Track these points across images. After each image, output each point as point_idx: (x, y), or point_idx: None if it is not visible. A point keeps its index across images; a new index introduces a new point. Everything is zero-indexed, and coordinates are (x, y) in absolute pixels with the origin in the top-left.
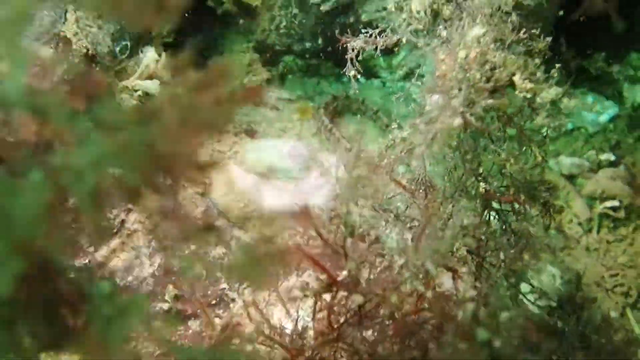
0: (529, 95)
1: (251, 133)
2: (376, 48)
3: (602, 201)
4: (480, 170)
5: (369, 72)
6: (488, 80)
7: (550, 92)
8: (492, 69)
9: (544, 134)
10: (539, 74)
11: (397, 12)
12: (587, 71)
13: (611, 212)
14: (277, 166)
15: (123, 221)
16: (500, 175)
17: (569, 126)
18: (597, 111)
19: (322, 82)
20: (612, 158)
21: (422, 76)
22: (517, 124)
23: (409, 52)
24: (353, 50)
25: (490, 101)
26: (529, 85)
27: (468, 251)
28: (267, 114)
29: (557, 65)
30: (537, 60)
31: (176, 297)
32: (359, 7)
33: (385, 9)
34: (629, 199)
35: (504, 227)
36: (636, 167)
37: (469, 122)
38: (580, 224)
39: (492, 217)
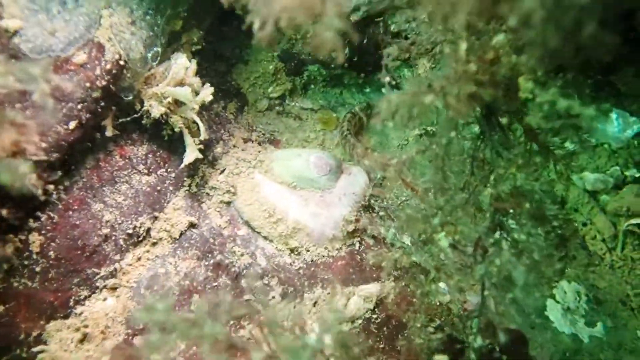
0: (530, 96)
1: (275, 142)
2: (409, 58)
3: (627, 218)
4: (491, 177)
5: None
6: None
7: (549, 92)
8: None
9: (568, 148)
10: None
11: (428, 24)
12: (614, 86)
13: (636, 230)
14: (302, 176)
15: (149, 229)
16: (512, 186)
17: (593, 141)
18: (622, 127)
19: (345, 92)
20: (637, 174)
21: None
22: (539, 134)
23: (435, 64)
24: (388, 56)
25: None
26: (531, 85)
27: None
28: (290, 123)
29: (570, 75)
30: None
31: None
32: (388, 18)
33: (415, 19)
34: None
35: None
36: None
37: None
38: (604, 240)
39: (500, 233)
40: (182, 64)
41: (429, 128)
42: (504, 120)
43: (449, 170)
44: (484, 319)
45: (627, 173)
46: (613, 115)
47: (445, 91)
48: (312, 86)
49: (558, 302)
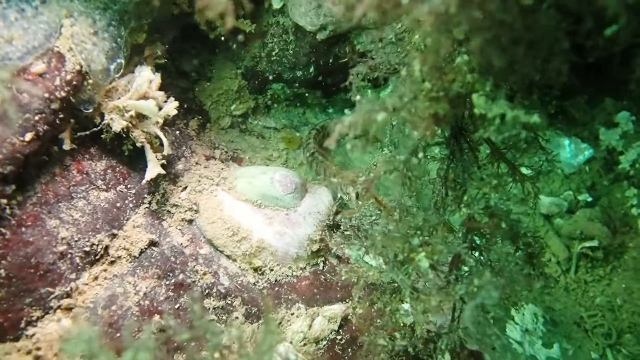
0: (483, 111)
1: (238, 160)
2: (377, 78)
3: (581, 241)
4: (465, 197)
5: (353, 104)
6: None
7: (498, 105)
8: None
9: (538, 169)
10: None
11: (395, 45)
12: (567, 113)
13: (590, 252)
14: (267, 193)
15: (107, 247)
16: (483, 205)
17: (545, 167)
18: (574, 153)
19: (307, 112)
20: (589, 199)
21: None
22: (505, 153)
23: (396, 86)
24: (357, 75)
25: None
26: (482, 101)
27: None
28: (252, 141)
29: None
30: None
31: (162, 330)
32: (354, 38)
33: (382, 40)
34: (607, 240)
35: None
36: (612, 208)
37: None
38: (558, 263)
39: (471, 252)
40: (146, 77)
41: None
42: (472, 139)
43: (419, 190)
44: (452, 339)
45: (579, 197)
46: (566, 142)
47: (399, 109)
48: (275, 105)
49: (517, 323)
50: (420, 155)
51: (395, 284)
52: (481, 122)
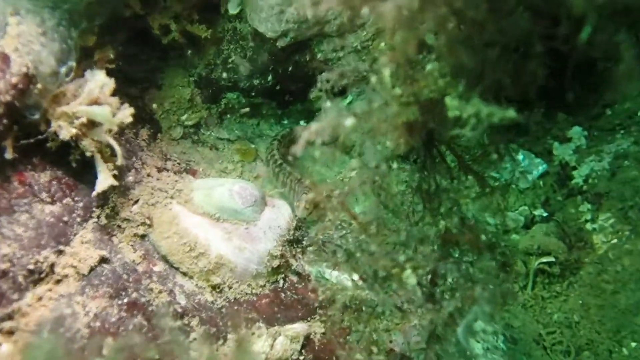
0: (457, 113)
1: (191, 172)
2: (345, 85)
3: (538, 257)
4: (441, 209)
5: (311, 116)
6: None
7: (472, 103)
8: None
9: (508, 182)
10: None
11: (359, 53)
12: (523, 126)
13: (547, 268)
14: (226, 206)
15: (53, 265)
16: (459, 217)
17: (502, 180)
18: (528, 168)
19: (262, 123)
20: (544, 214)
21: None
22: (470, 164)
23: (357, 97)
24: (327, 81)
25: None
26: (456, 102)
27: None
28: (206, 153)
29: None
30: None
31: (117, 351)
32: (315, 46)
33: (343, 48)
34: (563, 255)
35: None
36: (567, 223)
37: None
38: (516, 279)
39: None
40: (100, 81)
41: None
42: (442, 150)
43: (394, 203)
44: (429, 357)
45: (535, 212)
46: (520, 156)
47: (368, 114)
48: (229, 115)
49: (478, 341)
50: (394, 165)
51: (374, 302)
52: (456, 125)
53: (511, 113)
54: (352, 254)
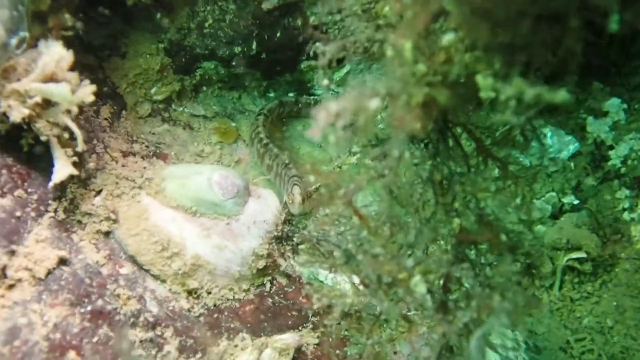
0: (492, 94)
1: (162, 156)
2: (343, 58)
3: (567, 252)
4: (456, 204)
5: (301, 88)
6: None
7: (514, 84)
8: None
9: (535, 169)
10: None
11: (359, 17)
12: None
13: (576, 265)
14: (204, 198)
15: (4, 267)
16: (476, 213)
17: (526, 163)
18: (557, 147)
19: (244, 97)
20: (575, 202)
21: None
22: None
23: (355, 67)
24: (324, 54)
25: None
26: (491, 81)
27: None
28: (178, 133)
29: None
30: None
31: None
32: (307, 8)
33: (340, 11)
34: (596, 250)
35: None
36: (601, 212)
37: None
38: (541, 278)
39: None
40: (56, 54)
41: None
42: (457, 134)
43: (404, 198)
44: None
45: (564, 200)
46: (547, 133)
47: (393, 95)
48: (205, 88)
49: (497, 352)
50: (407, 155)
51: (377, 310)
52: (489, 108)
53: (563, 95)
54: (352, 256)
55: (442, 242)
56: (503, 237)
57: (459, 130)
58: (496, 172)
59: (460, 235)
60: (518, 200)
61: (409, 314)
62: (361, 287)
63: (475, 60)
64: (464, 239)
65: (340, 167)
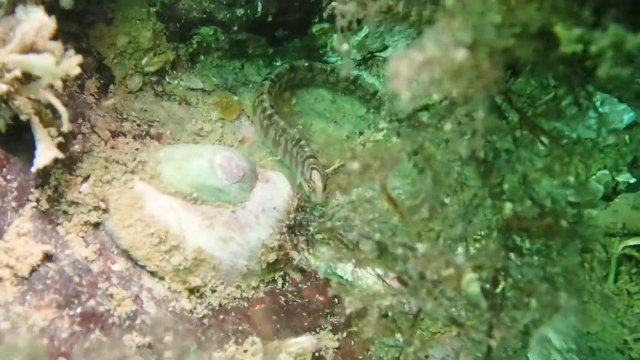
0: (578, 47)
1: (156, 137)
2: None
3: (622, 239)
4: (505, 186)
5: (312, 54)
6: None
7: (610, 32)
8: None
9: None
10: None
11: None
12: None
13: (634, 253)
14: (205, 183)
15: None
16: (529, 196)
17: (573, 136)
18: (609, 117)
19: (247, 67)
20: (632, 180)
21: (386, 61)
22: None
23: (375, 29)
24: (342, 16)
25: None
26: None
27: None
28: (174, 109)
29: None
30: None
31: None
32: None
33: None
34: None
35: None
36: None
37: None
38: (592, 268)
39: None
40: (36, 21)
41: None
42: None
43: (442, 178)
44: None
45: (618, 179)
46: (597, 101)
47: (481, 45)
48: (203, 57)
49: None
50: (448, 127)
51: (413, 310)
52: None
53: None
54: (386, 249)
55: (488, 231)
56: (564, 223)
57: (498, 99)
58: (543, 147)
59: (512, 221)
60: (572, 179)
61: (457, 315)
62: (396, 284)
63: (550, 8)
64: (517, 226)
65: (363, 145)
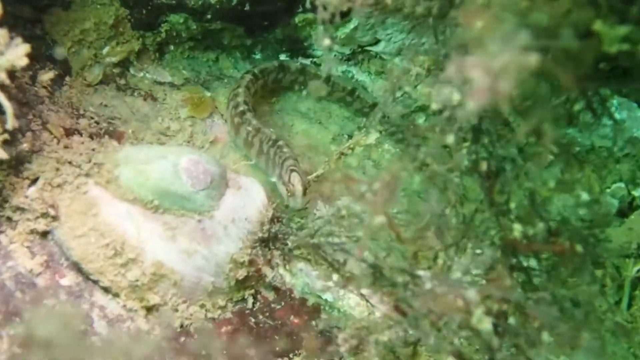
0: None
1: (116, 135)
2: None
3: (638, 260)
4: (512, 205)
5: (295, 47)
6: None
7: None
8: None
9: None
10: None
11: None
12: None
13: None
14: (169, 190)
15: None
16: (536, 214)
17: (586, 144)
18: (625, 125)
19: (222, 59)
20: None
21: (378, 57)
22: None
23: (365, 21)
24: (325, 8)
25: None
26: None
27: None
28: (137, 105)
29: None
30: None
31: None
32: None
33: None
34: None
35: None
36: None
37: None
38: (604, 292)
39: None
40: None
41: None
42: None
43: (452, 197)
44: None
45: (635, 193)
46: (613, 105)
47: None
48: (173, 48)
49: None
50: (451, 139)
51: (413, 341)
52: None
53: None
54: (381, 273)
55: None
56: (579, 248)
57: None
58: (552, 157)
59: (520, 245)
60: (585, 195)
61: (463, 350)
62: (384, 308)
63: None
64: (526, 250)
65: (352, 150)
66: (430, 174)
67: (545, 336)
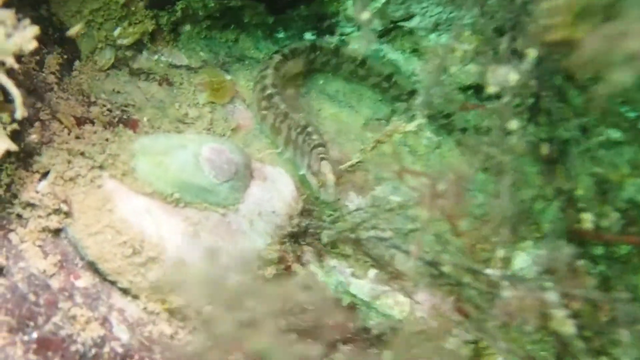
0: None
1: (131, 124)
2: None
3: None
4: (579, 190)
5: (322, 24)
6: None
7: None
8: None
9: None
10: None
11: None
12: None
13: None
14: (190, 182)
15: None
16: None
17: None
18: None
19: (242, 39)
20: None
21: (412, 33)
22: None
23: None
24: None
25: None
26: None
27: None
28: (152, 91)
29: None
30: None
31: None
32: None
33: None
34: None
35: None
36: None
37: None
38: None
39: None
40: None
41: None
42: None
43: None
44: None
45: None
46: None
47: None
48: (189, 28)
49: None
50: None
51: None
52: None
53: None
54: (441, 272)
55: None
56: None
57: (558, 79)
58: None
59: (589, 234)
60: None
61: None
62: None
63: None
64: (597, 239)
65: (390, 136)
66: (497, 166)
67: (625, 335)
